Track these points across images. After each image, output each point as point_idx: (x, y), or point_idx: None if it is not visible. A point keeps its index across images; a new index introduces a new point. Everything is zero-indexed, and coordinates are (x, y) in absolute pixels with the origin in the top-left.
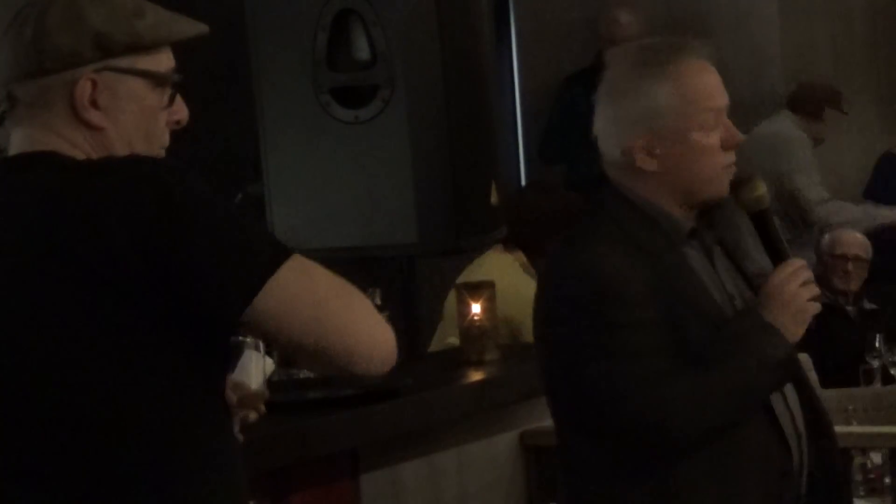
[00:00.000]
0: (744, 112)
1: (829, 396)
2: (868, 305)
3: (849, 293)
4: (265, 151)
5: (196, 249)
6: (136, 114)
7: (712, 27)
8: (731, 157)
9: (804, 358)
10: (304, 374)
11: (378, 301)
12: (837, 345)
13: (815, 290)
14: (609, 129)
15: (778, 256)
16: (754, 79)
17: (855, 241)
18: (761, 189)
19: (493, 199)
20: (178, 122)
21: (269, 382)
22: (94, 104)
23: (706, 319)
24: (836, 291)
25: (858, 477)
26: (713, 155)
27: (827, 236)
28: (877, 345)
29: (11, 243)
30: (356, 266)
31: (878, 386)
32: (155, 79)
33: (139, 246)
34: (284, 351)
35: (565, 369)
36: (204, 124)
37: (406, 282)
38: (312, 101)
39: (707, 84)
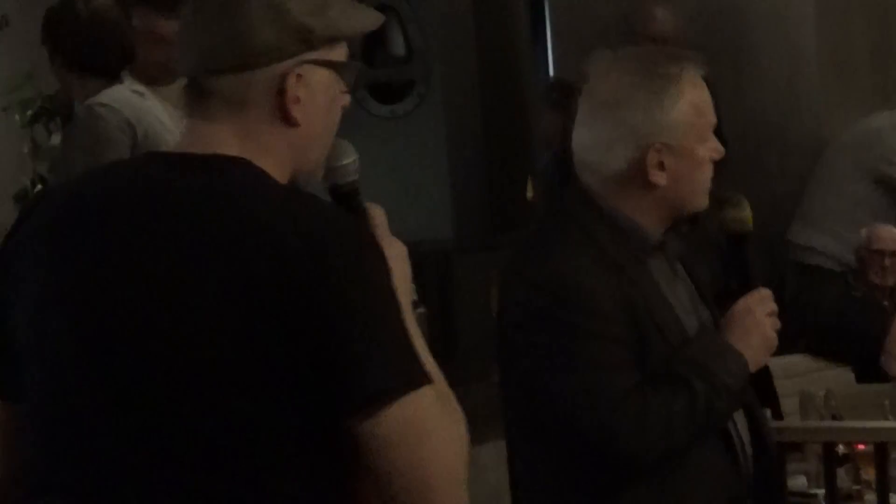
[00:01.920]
0: (780, 110)
1: (865, 391)
2: None
3: (885, 288)
4: None
5: (343, 333)
6: (326, 106)
7: (747, 24)
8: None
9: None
10: None
11: (414, 296)
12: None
13: (777, 322)
14: (615, 140)
15: (747, 282)
16: (790, 76)
17: (892, 237)
18: (747, 210)
19: (530, 194)
20: (345, 107)
21: None
22: (296, 99)
23: (667, 336)
24: (871, 286)
25: None
26: (707, 168)
27: (864, 231)
28: None
29: (182, 240)
30: None
31: None
32: (341, 68)
33: (295, 301)
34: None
35: (528, 378)
36: None
37: (442, 277)
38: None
39: (706, 97)
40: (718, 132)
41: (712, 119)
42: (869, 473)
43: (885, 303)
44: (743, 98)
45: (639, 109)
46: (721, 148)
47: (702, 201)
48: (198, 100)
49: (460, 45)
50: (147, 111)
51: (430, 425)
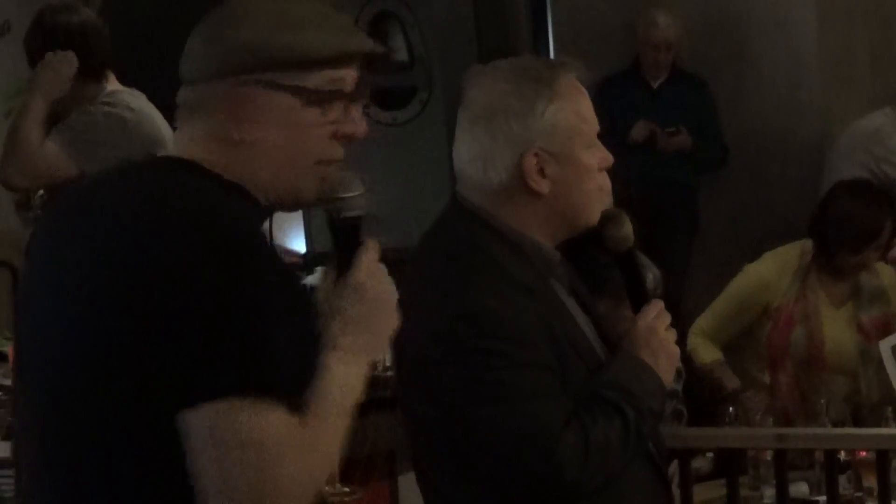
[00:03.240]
0: (781, 117)
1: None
2: None
3: None
4: None
5: (182, 332)
6: (283, 130)
7: (749, 31)
8: (604, 180)
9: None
10: None
11: None
12: None
13: (675, 334)
14: (493, 150)
15: (641, 299)
16: (791, 84)
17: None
18: (628, 227)
19: None
20: (349, 137)
21: None
22: (237, 117)
23: (582, 356)
24: None
25: None
26: (593, 176)
27: None
28: None
29: (81, 245)
30: (393, 268)
31: None
32: (305, 94)
33: (146, 297)
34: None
35: (454, 413)
36: None
37: None
38: None
39: (588, 103)
40: (719, 139)
41: (595, 125)
42: (870, 481)
43: None
44: (744, 105)
45: (512, 116)
46: (610, 156)
47: (593, 213)
48: (179, 108)
49: (462, 51)
50: (149, 112)
51: (239, 437)
